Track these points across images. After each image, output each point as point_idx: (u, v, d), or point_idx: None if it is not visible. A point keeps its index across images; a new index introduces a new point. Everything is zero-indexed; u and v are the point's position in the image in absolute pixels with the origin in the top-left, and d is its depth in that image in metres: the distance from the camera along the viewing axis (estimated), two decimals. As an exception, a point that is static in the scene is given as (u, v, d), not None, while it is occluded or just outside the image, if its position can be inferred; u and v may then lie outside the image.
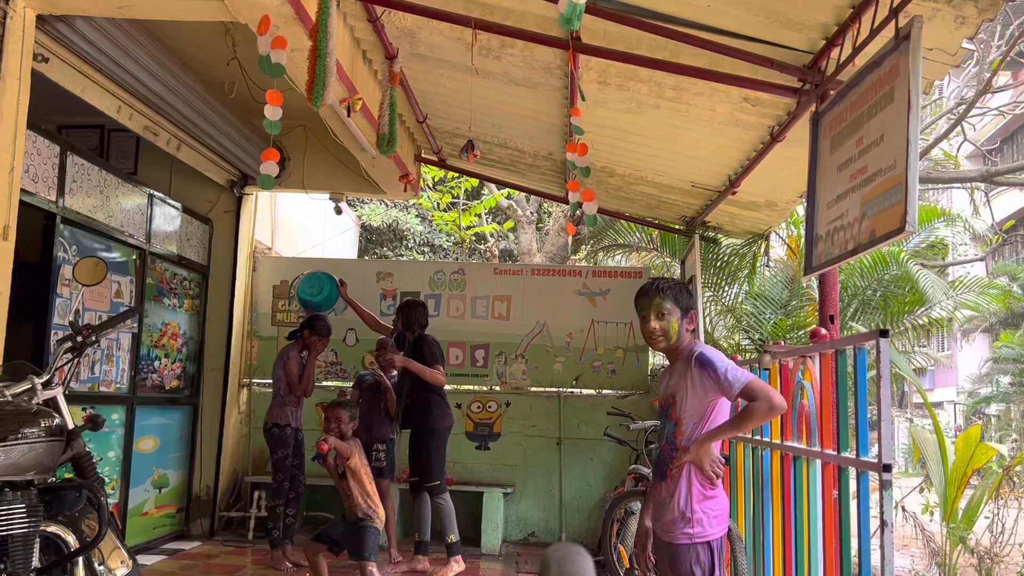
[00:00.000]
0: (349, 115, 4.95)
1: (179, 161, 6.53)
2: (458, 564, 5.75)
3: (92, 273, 3.63)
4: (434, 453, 5.83)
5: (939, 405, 29.56)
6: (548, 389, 7.86)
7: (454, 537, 5.76)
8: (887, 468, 2.40)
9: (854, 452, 2.64)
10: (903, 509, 7.26)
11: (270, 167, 4.31)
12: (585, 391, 7.94)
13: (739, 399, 2.77)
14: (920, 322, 7.60)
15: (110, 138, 7.06)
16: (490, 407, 7.84)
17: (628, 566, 5.50)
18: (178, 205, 6.76)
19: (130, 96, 5.41)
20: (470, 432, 7.73)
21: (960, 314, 8.18)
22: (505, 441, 7.74)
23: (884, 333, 2.44)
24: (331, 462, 4.62)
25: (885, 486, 2.40)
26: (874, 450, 2.59)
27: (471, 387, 7.99)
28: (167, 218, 6.56)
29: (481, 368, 7.88)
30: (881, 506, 2.41)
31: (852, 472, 2.72)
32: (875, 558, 2.55)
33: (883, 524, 2.40)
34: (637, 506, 5.53)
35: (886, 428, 2.41)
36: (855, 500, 2.64)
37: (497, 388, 7.89)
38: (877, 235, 3.10)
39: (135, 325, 6.01)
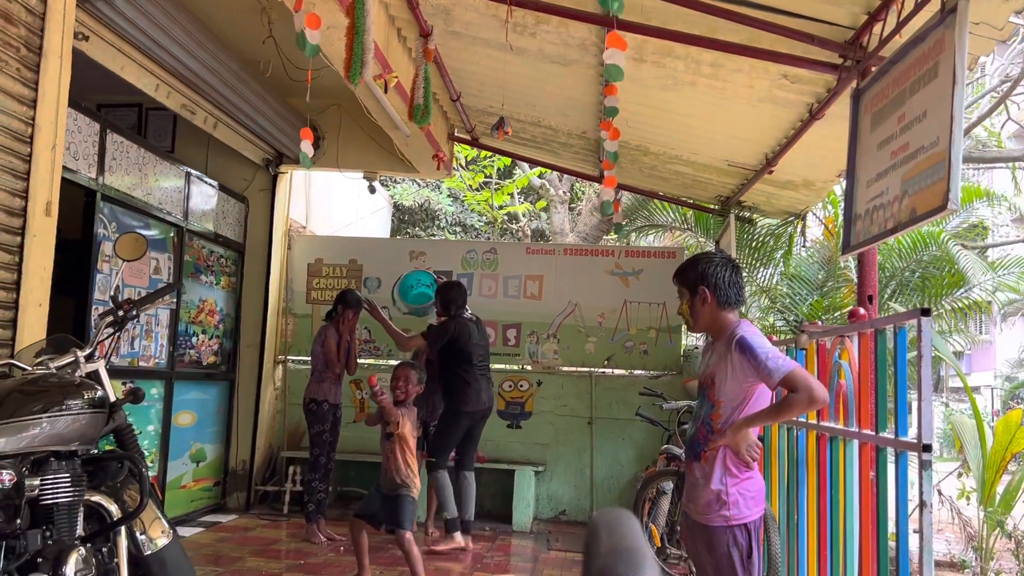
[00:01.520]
0: (386, 92, 4.95)
1: (215, 140, 6.59)
2: (454, 541, 5.80)
3: (133, 248, 3.67)
4: (442, 432, 5.91)
5: (976, 390, 29.11)
6: (580, 369, 7.86)
7: (448, 515, 5.82)
8: (927, 448, 2.37)
9: (893, 432, 2.61)
10: (939, 493, 7.18)
11: (307, 146, 4.34)
12: (617, 371, 7.93)
13: (776, 388, 2.73)
14: (959, 304, 7.48)
15: (148, 117, 7.15)
16: (522, 386, 7.86)
17: (659, 545, 5.50)
18: (214, 183, 6.83)
19: (168, 74, 5.45)
20: (502, 411, 7.75)
21: (1000, 297, 8.03)
22: (536, 420, 7.76)
23: (926, 312, 2.40)
24: (374, 415, 4.68)
25: (924, 466, 2.37)
26: (912, 431, 2.55)
27: (503, 366, 8.01)
28: (204, 196, 6.63)
29: (513, 347, 7.90)
30: (921, 487, 2.38)
31: (890, 453, 2.69)
32: (912, 540, 2.53)
33: (922, 505, 2.38)
34: (669, 486, 5.52)
35: (926, 408, 2.38)
36: (893, 481, 2.61)
37: (529, 367, 7.91)
38: (918, 213, 3.04)
39: (173, 301, 6.10)
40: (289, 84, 6.14)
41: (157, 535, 3.46)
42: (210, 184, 6.75)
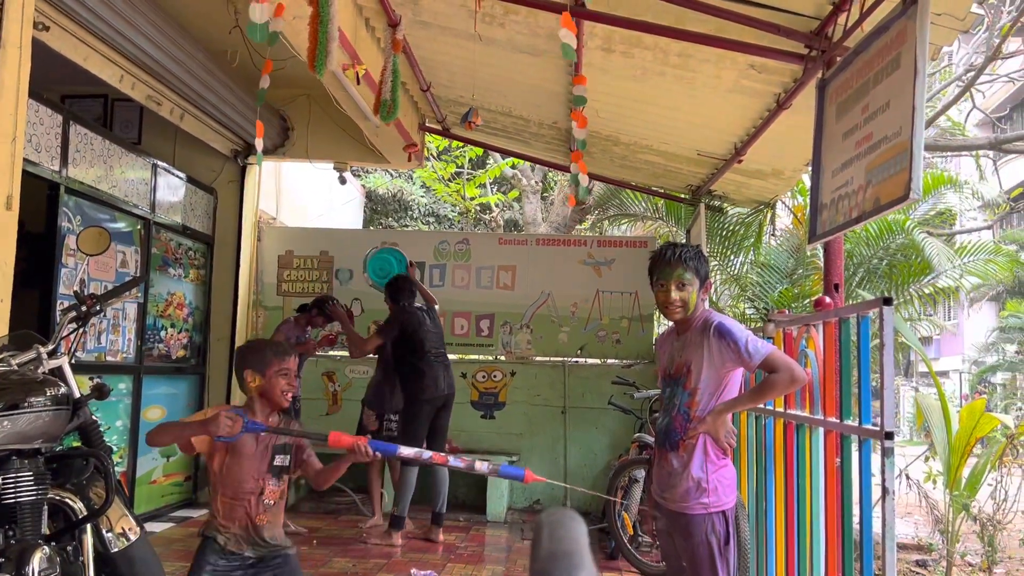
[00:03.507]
0: (358, 83, 4.91)
1: (183, 131, 6.51)
2: (391, 538, 5.82)
3: (96, 242, 3.63)
4: (406, 425, 5.91)
5: (944, 374, 29.58)
6: (553, 359, 7.88)
7: (398, 511, 5.84)
8: (889, 436, 2.40)
9: (857, 420, 2.64)
10: (907, 477, 7.28)
11: (260, 143, 4.32)
12: (590, 360, 7.96)
13: (756, 370, 2.80)
14: (926, 291, 7.58)
15: (114, 108, 7.05)
16: (495, 376, 7.87)
17: (632, 533, 5.55)
18: (182, 175, 6.75)
19: (132, 65, 5.37)
20: (475, 401, 7.76)
21: (966, 282, 8.14)
22: (510, 410, 7.78)
23: (888, 301, 2.43)
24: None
25: (887, 454, 2.40)
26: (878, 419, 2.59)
27: (476, 357, 8.01)
28: (171, 188, 6.56)
29: (486, 338, 7.90)
30: (883, 474, 2.42)
31: (855, 440, 2.73)
32: (877, 525, 2.57)
33: (884, 492, 2.41)
34: (641, 474, 5.57)
35: (888, 396, 2.42)
36: (857, 468, 2.65)
37: (502, 358, 7.91)
38: (882, 203, 3.07)
39: (140, 295, 6.03)
40: (257, 74, 5.98)
41: (124, 532, 3.43)
42: (177, 176, 6.67)
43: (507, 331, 7.88)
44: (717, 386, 2.84)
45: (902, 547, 7.63)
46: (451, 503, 6.28)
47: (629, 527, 5.56)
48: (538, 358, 7.90)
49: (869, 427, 2.56)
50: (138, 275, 5.87)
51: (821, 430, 2.99)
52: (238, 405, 2.99)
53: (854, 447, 2.70)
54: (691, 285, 2.88)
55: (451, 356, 6.96)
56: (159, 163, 6.36)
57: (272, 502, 2.93)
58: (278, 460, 2.93)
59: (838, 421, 2.81)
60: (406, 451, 2.78)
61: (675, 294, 2.87)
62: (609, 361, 7.90)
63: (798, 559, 3.17)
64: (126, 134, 6.81)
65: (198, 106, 6.20)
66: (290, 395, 2.99)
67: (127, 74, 5.42)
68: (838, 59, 3.78)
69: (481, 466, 2.70)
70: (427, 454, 2.75)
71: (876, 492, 2.53)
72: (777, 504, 3.47)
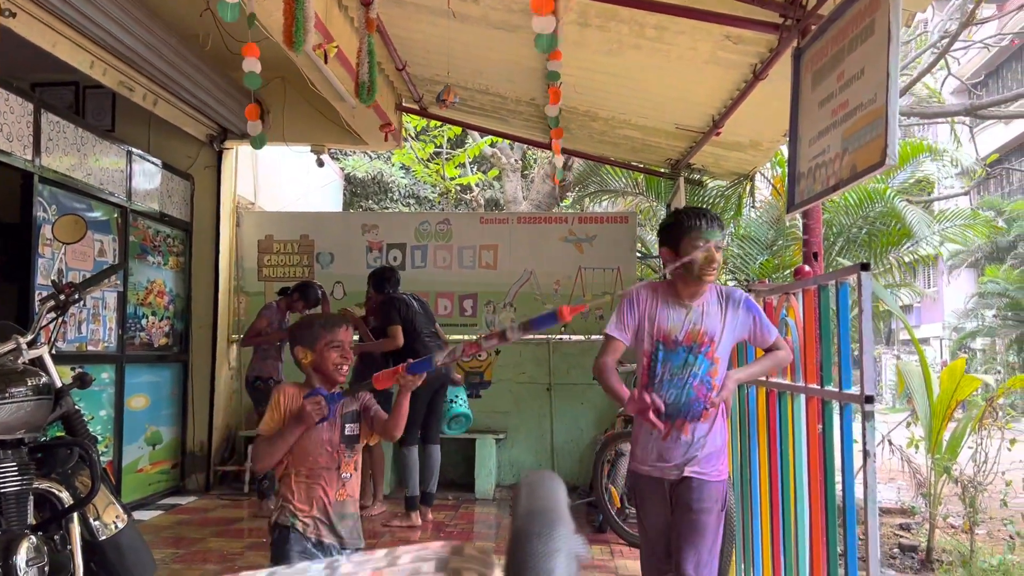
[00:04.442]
0: (326, 61, 4.87)
1: (157, 117, 6.44)
2: (410, 519, 5.84)
3: (72, 231, 3.60)
4: (412, 407, 5.89)
5: (926, 341, 29.92)
6: (537, 336, 7.89)
7: (409, 491, 5.86)
8: (869, 400, 2.43)
9: (837, 386, 2.67)
10: (890, 443, 7.36)
11: (255, 126, 4.27)
12: (574, 337, 7.98)
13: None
14: (907, 258, 7.64)
15: (86, 95, 6.96)
16: (480, 356, 7.87)
17: (619, 506, 5.60)
18: (158, 161, 6.69)
19: (102, 51, 5.30)
20: (461, 381, 7.77)
21: (946, 249, 8.24)
22: (496, 388, 7.80)
23: (865, 267, 2.45)
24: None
25: (867, 417, 2.43)
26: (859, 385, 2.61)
27: (461, 336, 8.01)
28: (147, 175, 6.49)
29: (470, 317, 7.90)
30: (864, 437, 2.45)
31: (836, 406, 2.75)
32: (860, 491, 2.60)
33: (866, 455, 2.44)
34: (627, 447, 5.60)
35: (868, 361, 2.44)
36: (839, 433, 2.68)
37: (487, 337, 7.91)
38: (858, 169, 3.08)
39: (119, 282, 5.99)
40: (230, 58, 5.99)
41: (111, 520, 3.43)
42: (153, 162, 6.61)
43: (491, 310, 7.89)
44: (728, 357, 2.96)
45: (886, 511, 7.74)
46: (439, 482, 6.30)
47: (616, 500, 5.61)
48: (523, 337, 7.90)
49: (850, 392, 2.58)
50: (116, 262, 5.82)
51: (803, 397, 3.01)
52: (300, 384, 2.88)
53: (835, 413, 2.72)
54: (718, 250, 2.92)
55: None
56: (134, 150, 6.29)
57: (350, 475, 2.80)
58: (348, 429, 2.81)
59: (819, 387, 2.84)
60: (439, 356, 2.63)
61: (719, 255, 2.92)
62: (593, 337, 7.91)
63: (783, 525, 3.21)
64: (99, 121, 6.73)
65: (171, 91, 6.13)
66: (345, 368, 2.86)
67: (97, 60, 5.35)
68: (812, 28, 3.78)
69: (513, 331, 2.46)
70: (459, 348, 2.59)
71: (859, 458, 2.57)
72: (761, 472, 3.51)
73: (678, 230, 2.95)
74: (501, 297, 7.86)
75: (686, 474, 2.88)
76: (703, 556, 2.85)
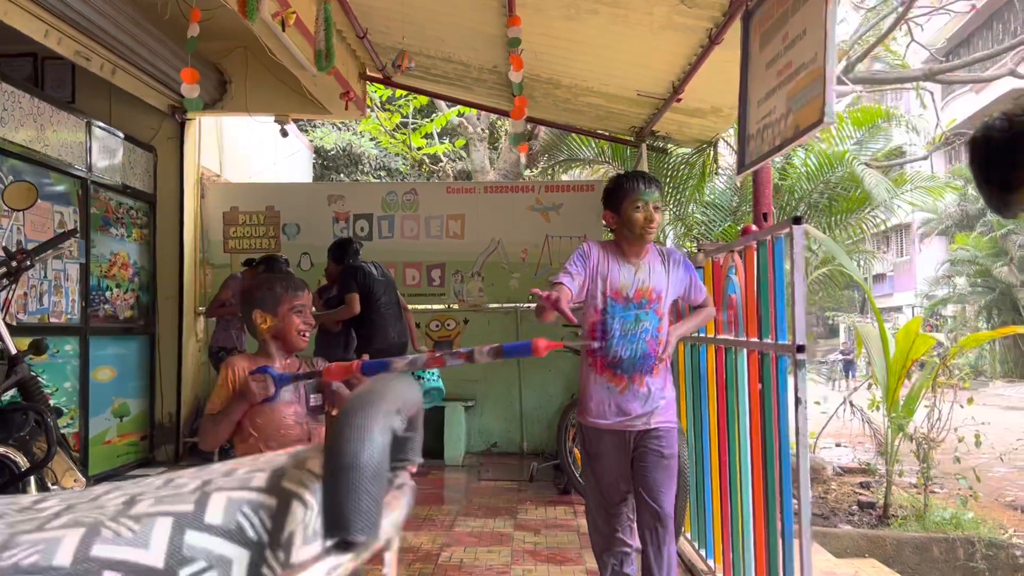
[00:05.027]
0: (284, 30, 4.85)
1: (118, 88, 6.39)
2: None
3: (24, 197, 3.60)
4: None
5: (899, 309, 30.33)
6: (505, 305, 7.95)
7: None
8: (800, 349, 2.51)
9: (773, 338, 2.75)
10: (851, 404, 7.53)
11: (191, 89, 4.26)
12: (542, 305, 8.03)
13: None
14: (880, 228, 7.74)
15: (44, 66, 6.88)
16: (449, 325, 7.93)
17: (582, 467, 5.69)
18: (119, 133, 6.64)
19: (57, 20, 5.23)
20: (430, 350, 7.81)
21: (917, 218, 8.36)
22: (465, 357, 7.84)
23: (797, 220, 2.52)
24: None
25: (799, 365, 2.51)
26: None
27: (429, 306, 8.06)
28: (108, 147, 6.45)
29: (438, 287, 7.94)
30: (796, 385, 2.53)
31: (772, 357, 2.83)
32: (794, 439, 2.69)
33: (798, 401, 2.52)
34: (590, 411, 5.69)
35: (800, 312, 2.51)
36: (774, 383, 2.76)
37: (455, 306, 7.97)
38: (800, 128, 3.14)
39: (81, 255, 5.96)
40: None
41: (70, 485, 3.47)
42: (114, 134, 6.56)
43: (458, 280, 7.93)
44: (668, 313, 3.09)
45: (848, 471, 7.92)
46: (407, 449, 6.36)
47: (579, 462, 5.70)
48: (491, 305, 7.97)
49: (784, 343, 2.66)
50: (69, 228, 5.77)
51: (744, 351, 3.09)
52: (253, 355, 2.72)
53: (772, 364, 2.80)
54: (659, 211, 3.03)
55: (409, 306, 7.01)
56: (94, 122, 6.24)
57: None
58: (313, 400, 2.68)
59: (758, 340, 2.92)
60: (399, 363, 2.41)
61: (657, 216, 3.01)
62: (560, 305, 7.98)
63: (730, 476, 3.30)
64: (59, 93, 6.66)
65: (130, 61, 6.07)
66: (307, 333, 2.71)
67: (52, 29, 5.29)
68: (761, -10, 3.82)
69: (481, 354, 2.40)
70: (421, 359, 2.38)
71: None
72: (711, 426, 3.59)
73: (619, 193, 3.06)
74: (469, 267, 7.90)
75: (653, 424, 3.00)
76: (674, 495, 3.03)
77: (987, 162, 1.29)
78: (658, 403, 3.00)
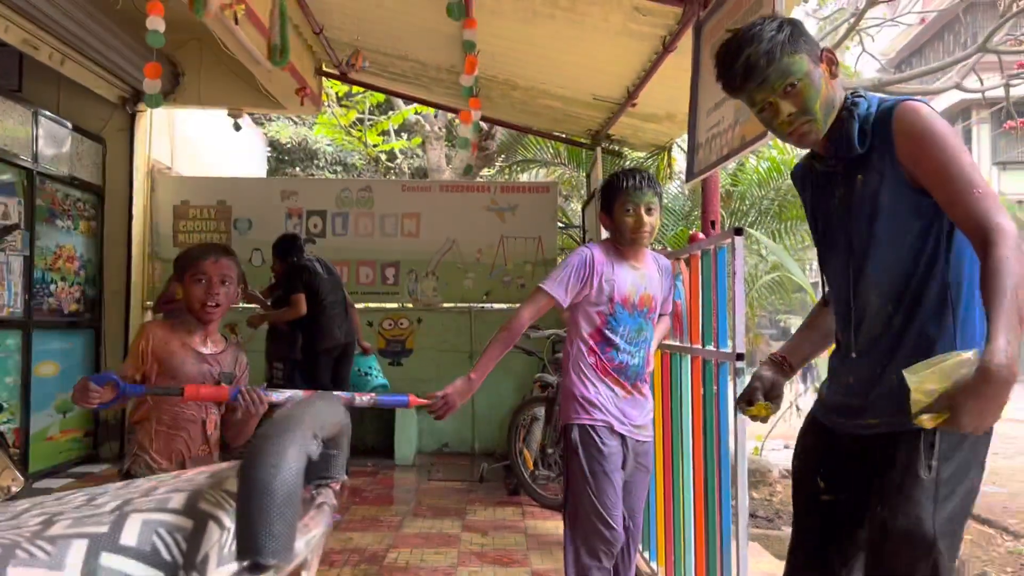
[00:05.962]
0: (236, 23, 4.80)
1: (68, 78, 6.25)
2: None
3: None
4: (308, 378, 5.86)
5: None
6: (459, 305, 7.96)
7: None
8: (740, 357, 2.56)
9: (715, 346, 2.80)
10: (798, 408, 7.66)
11: (154, 85, 4.20)
12: (496, 305, 8.06)
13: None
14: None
15: (-11, 54, 6.71)
16: (402, 324, 7.91)
17: (532, 468, 5.72)
18: (67, 123, 6.51)
19: (4, 7, 5.12)
20: (383, 349, 7.79)
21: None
22: (418, 357, 7.85)
23: (739, 231, 2.57)
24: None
25: (738, 373, 2.56)
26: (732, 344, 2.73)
27: (382, 305, 8.03)
28: (55, 137, 6.32)
29: (392, 286, 7.92)
30: (734, 391, 2.58)
31: (713, 365, 2.88)
32: (732, 443, 2.74)
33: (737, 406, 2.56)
34: (541, 412, 5.72)
35: (739, 321, 2.57)
36: (715, 389, 2.81)
37: (409, 305, 7.95)
38: (747, 139, 3.20)
39: (25, 248, 5.83)
40: (141, 18, 5.76)
41: (8, 483, 3.40)
42: (62, 124, 6.43)
43: (413, 278, 7.91)
44: None
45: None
46: (358, 449, 6.35)
47: (530, 463, 5.74)
48: (445, 304, 7.96)
49: (725, 351, 2.71)
50: (9, 223, 5.65)
51: (689, 357, 3.15)
52: (172, 324, 2.57)
53: (713, 371, 2.85)
54: (658, 212, 2.81)
55: (357, 305, 6.97)
56: (41, 111, 6.11)
57: (212, 434, 2.55)
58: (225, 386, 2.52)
59: (700, 347, 2.97)
60: (276, 396, 2.42)
61: (647, 219, 2.76)
62: (515, 306, 7.98)
63: (673, 477, 3.35)
64: (5, 81, 6.50)
65: (80, 51, 5.96)
66: (212, 306, 2.50)
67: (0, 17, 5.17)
68: (712, 1, 3.88)
69: (361, 398, 2.52)
70: (299, 395, 2.38)
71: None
72: (656, 430, 3.64)
73: (609, 192, 2.85)
74: (424, 266, 7.89)
75: (645, 438, 2.89)
76: None
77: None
78: (650, 415, 2.93)
